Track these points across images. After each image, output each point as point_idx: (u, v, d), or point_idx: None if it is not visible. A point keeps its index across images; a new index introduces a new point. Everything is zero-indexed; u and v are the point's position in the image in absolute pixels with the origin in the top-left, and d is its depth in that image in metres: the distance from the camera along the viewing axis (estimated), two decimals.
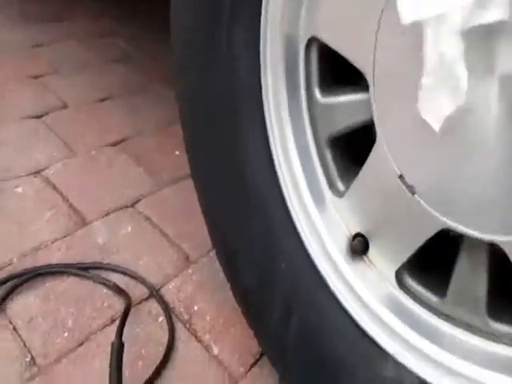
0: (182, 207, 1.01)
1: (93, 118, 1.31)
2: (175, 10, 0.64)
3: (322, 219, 0.60)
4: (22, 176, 1.01)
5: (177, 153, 1.19)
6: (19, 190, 0.97)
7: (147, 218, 0.97)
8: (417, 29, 0.42)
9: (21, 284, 0.76)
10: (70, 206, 0.96)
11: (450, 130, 0.44)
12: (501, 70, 0.40)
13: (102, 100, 1.41)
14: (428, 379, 0.51)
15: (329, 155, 0.61)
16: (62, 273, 0.79)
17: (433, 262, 0.55)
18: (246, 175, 0.64)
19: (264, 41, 0.58)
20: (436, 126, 0.44)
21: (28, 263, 0.80)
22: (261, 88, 0.60)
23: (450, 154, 0.45)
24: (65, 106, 1.33)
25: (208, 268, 0.87)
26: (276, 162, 0.62)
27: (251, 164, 0.63)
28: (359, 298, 0.57)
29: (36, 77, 1.44)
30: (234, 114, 0.63)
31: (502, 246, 0.44)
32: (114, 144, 1.21)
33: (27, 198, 0.95)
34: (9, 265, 0.79)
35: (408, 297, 0.55)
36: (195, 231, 0.94)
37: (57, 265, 0.80)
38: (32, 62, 1.52)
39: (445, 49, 0.41)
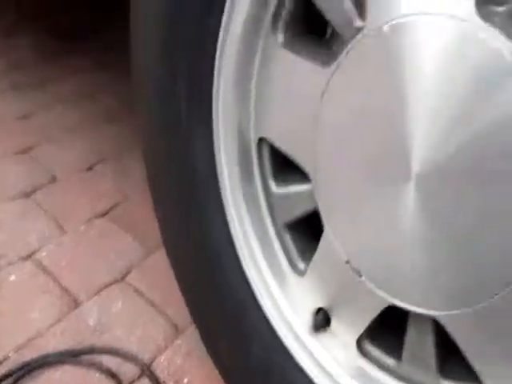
0: (168, 273, 1.03)
1: (82, 187, 1.33)
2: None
3: (285, 297, 0.64)
4: (14, 262, 1.05)
5: None
6: (12, 277, 1.01)
7: (136, 290, 1.01)
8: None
9: (18, 379, 0.79)
10: (62, 287, 0.99)
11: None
12: None
13: (91, 167, 1.42)
14: None
15: (288, 237, 0.65)
16: (56, 363, 0.83)
17: (389, 328, 0.58)
18: (209, 252, 0.68)
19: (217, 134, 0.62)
20: None
21: (25, 355, 0.84)
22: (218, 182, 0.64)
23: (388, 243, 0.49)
24: (54, 180, 1.36)
25: (196, 337, 0.90)
26: (236, 243, 0.66)
27: (215, 245, 0.67)
28: (324, 369, 0.60)
29: (24, 151, 1.46)
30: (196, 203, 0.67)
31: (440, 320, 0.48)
32: (103, 214, 1.24)
33: (20, 286, 0.99)
34: (6, 359, 0.83)
35: (369, 363, 0.58)
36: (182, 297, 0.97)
37: (51, 354, 0.83)
38: (20, 135, 1.53)
39: None
